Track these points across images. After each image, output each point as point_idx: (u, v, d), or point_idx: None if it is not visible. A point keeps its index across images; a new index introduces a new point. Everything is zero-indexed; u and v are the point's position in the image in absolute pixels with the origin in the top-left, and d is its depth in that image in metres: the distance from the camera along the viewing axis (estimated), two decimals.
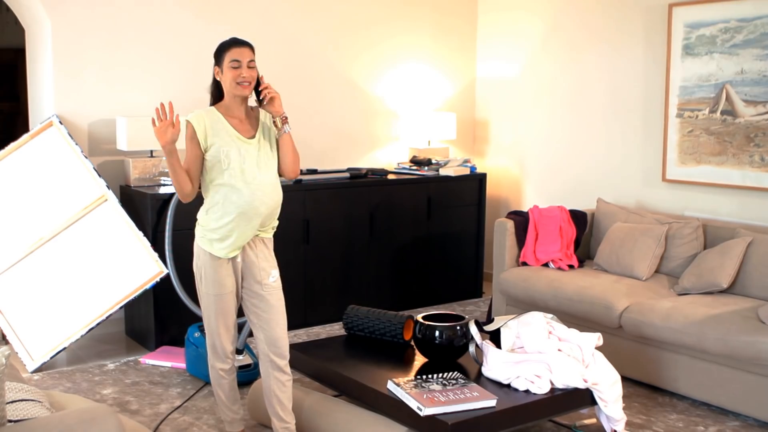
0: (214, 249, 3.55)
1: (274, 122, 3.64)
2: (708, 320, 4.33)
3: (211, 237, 3.56)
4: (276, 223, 3.73)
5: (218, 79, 3.59)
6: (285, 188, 5.65)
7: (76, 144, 5.18)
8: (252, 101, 3.67)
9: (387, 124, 6.90)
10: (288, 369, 3.71)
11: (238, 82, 3.51)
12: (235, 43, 3.56)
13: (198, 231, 3.63)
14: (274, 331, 3.65)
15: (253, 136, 3.60)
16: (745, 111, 5.23)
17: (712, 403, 4.39)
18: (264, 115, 3.68)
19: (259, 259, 3.64)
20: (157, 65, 5.72)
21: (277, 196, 3.64)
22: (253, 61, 3.54)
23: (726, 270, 4.75)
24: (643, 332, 4.59)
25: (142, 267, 5.05)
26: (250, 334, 5.05)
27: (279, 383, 3.67)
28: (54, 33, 5.35)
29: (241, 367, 4.66)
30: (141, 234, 5.07)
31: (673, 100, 5.65)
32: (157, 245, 5.13)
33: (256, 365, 4.77)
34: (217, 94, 3.66)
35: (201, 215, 3.63)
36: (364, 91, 6.70)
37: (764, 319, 4.23)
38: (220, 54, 3.57)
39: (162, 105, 3.44)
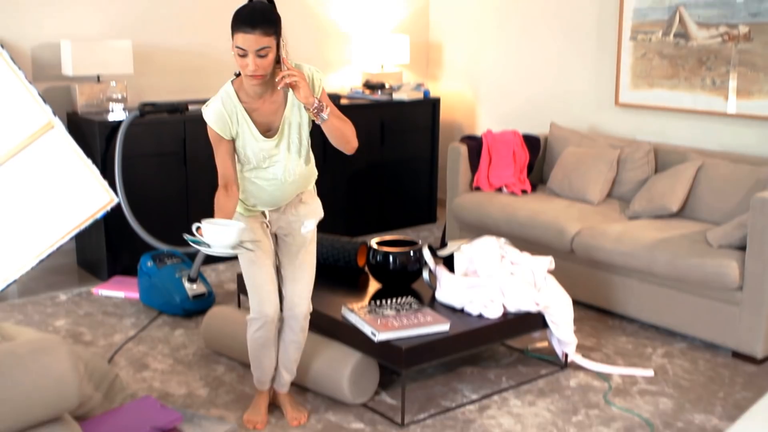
0: (243, 210, 3.29)
1: (306, 109, 3.10)
2: (658, 244, 4.39)
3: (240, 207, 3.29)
4: (314, 179, 3.44)
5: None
6: None
7: (20, 69, 5.02)
8: None
9: (339, 47, 6.79)
10: (299, 330, 3.41)
11: (246, 74, 2.98)
12: (243, 24, 2.89)
13: None
14: (288, 288, 3.38)
15: (275, 132, 3.15)
16: (698, 34, 5.22)
17: (660, 325, 4.48)
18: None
19: (293, 215, 3.34)
20: None
21: (303, 184, 3.30)
22: (265, 48, 2.91)
23: (676, 194, 4.80)
24: (595, 256, 4.65)
25: (92, 196, 4.96)
26: (204, 262, 5.02)
27: (284, 341, 3.44)
28: None
29: (195, 296, 4.64)
30: (90, 162, 4.98)
31: (627, 22, 5.62)
32: (107, 173, 5.04)
33: (210, 293, 4.76)
34: None
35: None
36: (316, 13, 6.57)
37: (712, 243, 4.30)
38: (232, 29, 2.94)
39: None
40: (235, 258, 5.36)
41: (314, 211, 3.40)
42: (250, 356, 3.46)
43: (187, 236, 2.92)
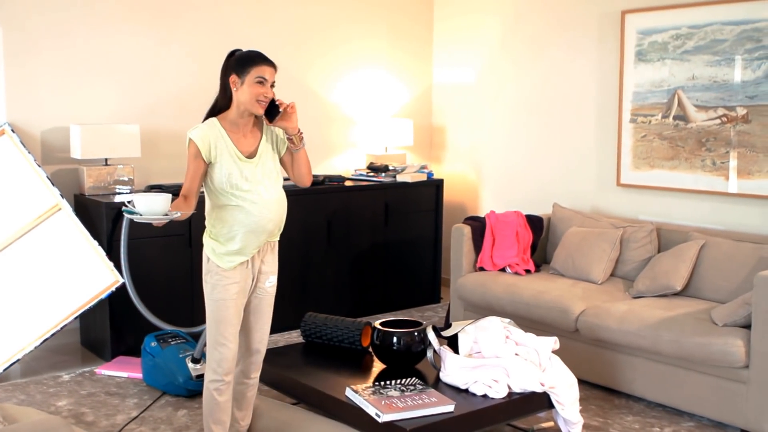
0: (222, 262, 3.44)
1: (290, 139, 3.52)
2: (662, 323, 4.39)
3: (219, 251, 3.44)
4: (284, 217, 3.65)
5: (233, 89, 3.42)
6: None
7: (29, 152, 5.11)
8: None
9: (343, 130, 6.90)
10: (257, 376, 3.72)
11: (258, 99, 3.40)
12: (264, 59, 3.44)
13: (206, 242, 3.50)
14: (254, 336, 3.64)
15: (253, 155, 3.48)
16: (697, 116, 5.31)
17: (667, 404, 4.44)
18: (268, 130, 3.57)
19: (263, 264, 3.58)
20: (111, 72, 5.66)
21: (282, 210, 3.56)
22: (275, 82, 3.46)
23: (679, 273, 4.81)
24: (599, 335, 4.64)
25: (98, 276, 4.99)
26: None
27: (242, 386, 3.70)
28: (5, 39, 5.27)
29: (198, 377, 4.62)
30: (96, 243, 5.02)
31: (627, 105, 5.72)
32: (113, 254, 5.07)
33: None
34: (223, 103, 3.49)
35: (209, 230, 3.51)
36: (320, 97, 6.70)
37: (717, 321, 4.29)
38: (243, 65, 3.41)
39: None
40: None
41: (275, 263, 3.68)
42: (208, 417, 3.54)
43: (123, 208, 3.24)
